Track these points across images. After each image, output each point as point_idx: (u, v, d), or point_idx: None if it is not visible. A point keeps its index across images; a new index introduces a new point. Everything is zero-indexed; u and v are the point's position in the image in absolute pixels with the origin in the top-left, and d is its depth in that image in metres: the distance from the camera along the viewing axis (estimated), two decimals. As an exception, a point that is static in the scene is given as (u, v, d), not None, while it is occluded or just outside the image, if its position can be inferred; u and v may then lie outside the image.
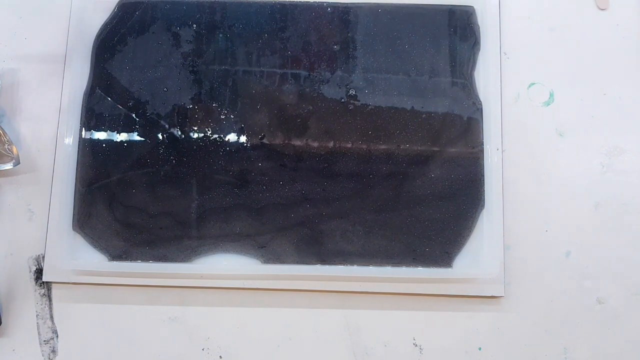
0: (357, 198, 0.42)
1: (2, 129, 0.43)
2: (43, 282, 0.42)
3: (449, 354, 0.42)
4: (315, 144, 0.43)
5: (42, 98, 0.45)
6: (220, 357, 0.42)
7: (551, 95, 0.45)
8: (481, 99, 0.43)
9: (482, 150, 0.43)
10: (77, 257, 0.42)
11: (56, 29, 0.46)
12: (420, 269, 0.42)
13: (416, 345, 0.42)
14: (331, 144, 0.43)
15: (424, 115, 0.43)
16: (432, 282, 0.42)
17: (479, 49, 0.44)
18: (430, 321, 0.42)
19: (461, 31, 0.45)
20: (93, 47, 0.45)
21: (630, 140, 0.44)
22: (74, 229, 0.42)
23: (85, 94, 0.44)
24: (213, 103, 0.44)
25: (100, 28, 0.45)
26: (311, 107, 0.43)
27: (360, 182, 0.43)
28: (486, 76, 0.44)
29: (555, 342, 0.42)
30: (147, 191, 0.42)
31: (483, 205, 0.42)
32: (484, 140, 0.43)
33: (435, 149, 0.43)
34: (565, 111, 0.45)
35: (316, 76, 0.44)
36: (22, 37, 0.46)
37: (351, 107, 0.43)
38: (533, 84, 0.45)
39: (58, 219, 0.42)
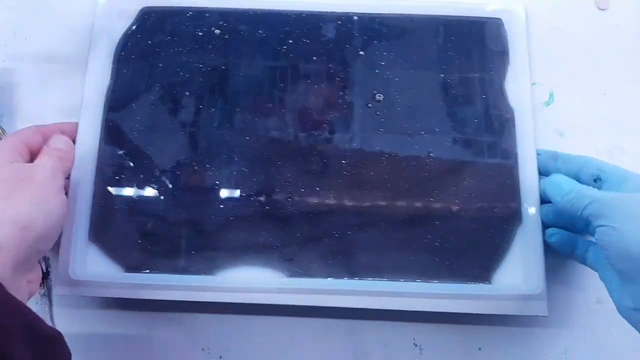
0: (388, 208, 0.41)
1: (2, 128, 0.43)
2: (42, 281, 0.42)
3: (449, 354, 0.42)
4: (342, 150, 0.42)
5: (42, 98, 0.45)
6: (220, 357, 0.42)
7: (551, 95, 0.45)
8: (513, 109, 0.43)
9: (516, 161, 0.41)
10: (91, 268, 0.40)
11: (56, 29, 0.46)
12: (457, 285, 0.40)
13: (416, 346, 0.42)
14: (358, 150, 0.42)
15: (456, 124, 0.42)
16: (471, 298, 0.39)
17: (508, 60, 0.44)
18: (430, 321, 0.42)
19: (490, 42, 0.44)
20: (115, 53, 0.44)
21: (630, 140, 0.44)
22: (89, 238, 0.40)
23: (106, 98, 0.43)
24: (237, 108, 0.43)
25: (122, 35, 0.44)
26: (337, 112, 0.43)
27: (391, 191, 0.41)
28: (517, 86, 0.43)
29: (555, 342, 0.42)
30: (167, 198, 0.41)
31: (520, 218, 0.41)
32: (518, 151, 0.42)
33: (468, 158, 0.42)
34: (565, 111, 0.45)
35: (343, 80, 0.43)
36: (22, 37, 0.46)
37: (379, 113, 0.43)
38: (533, 84, 0.45)
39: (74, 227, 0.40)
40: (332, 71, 0.44)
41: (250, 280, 0.40)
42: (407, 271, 0.40)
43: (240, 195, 0.41)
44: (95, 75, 0.43)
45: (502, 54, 0.44)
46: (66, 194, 0.39)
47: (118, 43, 0.44)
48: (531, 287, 0.39)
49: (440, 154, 0.42)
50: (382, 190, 0.41)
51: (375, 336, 0.42)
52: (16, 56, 0.46)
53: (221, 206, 0.41)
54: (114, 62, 0.44)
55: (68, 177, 0.40)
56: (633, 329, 0.33)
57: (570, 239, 0.39)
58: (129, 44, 0.44)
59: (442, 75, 0.43)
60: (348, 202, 0.41)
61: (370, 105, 0.43)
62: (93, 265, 0.40)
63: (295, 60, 0.44)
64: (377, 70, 0.43)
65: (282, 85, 0.43)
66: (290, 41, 0.44)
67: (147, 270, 0.40)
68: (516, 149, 0.42)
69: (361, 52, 0.44)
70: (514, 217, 0.40)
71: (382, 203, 0.41)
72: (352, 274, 0.40)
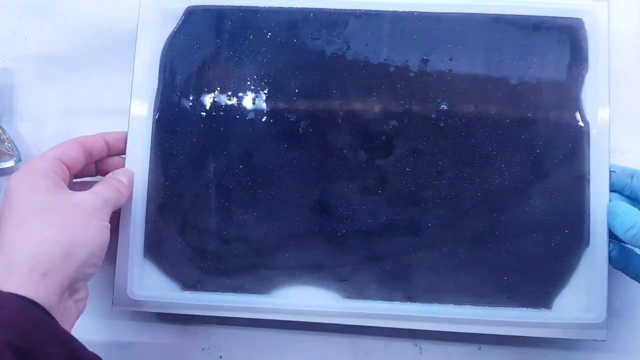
0: (448, 228, 0.39)
1: (2, 127, 0.43)
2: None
3: (449, 354, 0.41)
4: (401, 165, 0.39)
5: (42, 98, 0.45)
6: (220, 357, 0.42)
7: (551, 95, 0.45)
8: (589, 122, 0.39)
9: (588, 179, 0.38)
10: (148, 286, 0.39)
11: (56, 29, 0.46)
12: (516, 310, 0.38)
13: (416, 346, 0.42)
14: (419, 165, 0.39)
15: (523, 137, 0.39)
16: (530, 326, 0.38)
17: (587, 68, 0.40)
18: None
19: (568, 46, 0.40)
20: (162, 55, 0.41)
21: (630, 140, 0.44)
22: (144, 255, 0.39)
23: (155, 107, 0.40)
24: (291, 119, 0.40)
25: (169, 36, 0.41)
26: (396, 123, 0.39)
27: (452, 210, 0.39)
28: (595, 97, 0.39)
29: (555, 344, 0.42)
30: (221, 215, 0.39)
31: (587, 241, 0.38)
32: (590, 168, 0.39)
33: (536, 175, 0.39)
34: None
35: (404, 88, 0.40)
36: (22, 37, 0.46)
37: (442, 124, 0.39)
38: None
39: (130, 244, 0.39)
40: (392, 78, 0.40)
41: (305, 301, 0.39)
42: (465, 294, 0.39)
43: (295, 212, 0.39)
44: (141, 81, 0.41)
45: (580, 60, 0.40)
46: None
47: (164, 46, 0.41)
48: (593, 316, 0.38)
49: (506, 169, 0.39)
50: (442, 209, 0.39)
51: (375, 336, 0.42)
52: (16, 56, 0.46)
53: (276, 225, 0.39)
54: (160, 67, 0.41)
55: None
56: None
57: (626, 254, 0.38)
58: (176, 46, 0.41)
59: (511, 83, 0.39)
60: (406, 221, 0.39)
61: (433, 116, 0.39)
62: (150, 283, 0.39)
63: (354, 65, 0.40)
64: (441, 77, 0.40)
65: (338, 93, 0.40)
66: (349, 45, 0.40)
67: (202, 288, 0.39)
68: (588, 166, 0.39)
69: (425, 57, 0.40)
70: (581, 239, 0.38)
71: (442, 222, 0.39)
72: (408, 297, 0.39)
